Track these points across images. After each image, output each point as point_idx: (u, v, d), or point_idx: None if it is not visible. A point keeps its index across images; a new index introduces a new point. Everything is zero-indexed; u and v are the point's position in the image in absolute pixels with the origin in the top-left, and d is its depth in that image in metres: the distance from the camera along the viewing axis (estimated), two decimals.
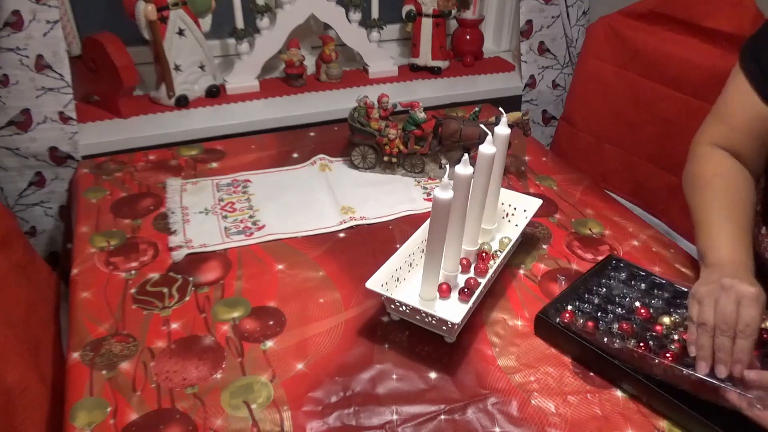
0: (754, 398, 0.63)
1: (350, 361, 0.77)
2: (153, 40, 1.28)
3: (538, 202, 0.96)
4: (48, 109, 1.17)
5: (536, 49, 1.59)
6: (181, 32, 1.31)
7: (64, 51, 1.15)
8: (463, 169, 0.74)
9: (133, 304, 0.84)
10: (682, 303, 0.79)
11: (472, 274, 0.88)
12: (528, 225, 0.94)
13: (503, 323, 0.83)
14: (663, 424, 0.69)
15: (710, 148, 0.83)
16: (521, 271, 0.93)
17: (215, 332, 0.80)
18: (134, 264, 0.92)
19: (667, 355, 0.70)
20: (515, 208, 0.98)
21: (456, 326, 0.75)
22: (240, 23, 1.39)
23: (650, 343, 0.71)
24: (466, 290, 0.82)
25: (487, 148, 0.80)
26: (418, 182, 1.16)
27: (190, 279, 0.89)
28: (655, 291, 0.82)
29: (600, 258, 0.93)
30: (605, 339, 0.73)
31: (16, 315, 0.86)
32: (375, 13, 1.51)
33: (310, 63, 1.56)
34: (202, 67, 1.39)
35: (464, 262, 0.87)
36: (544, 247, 0.98)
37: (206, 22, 1.36)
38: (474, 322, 0.83)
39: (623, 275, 0.85)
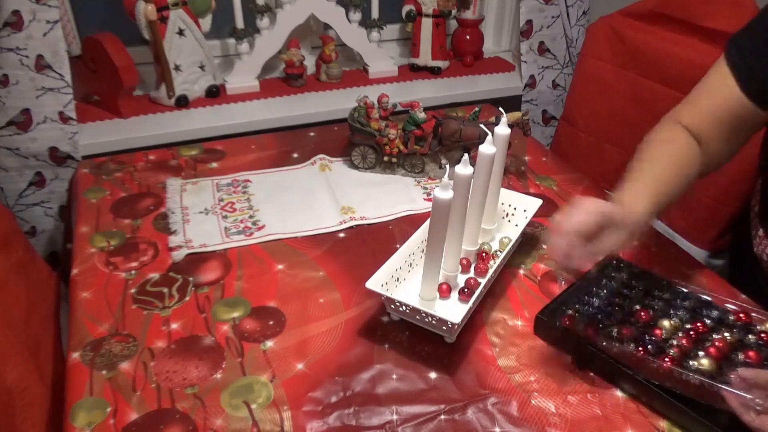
0: (751, 400, 0.62)
1: (350, 361, 0.77)
2: (153, 40, 1.28)
3: (538, 202, 0.96)
4: (48, 109, 1.17)
5: (536, 49, 1.59)
6: (181, 32, 1.31)
7: (64, 51, 1.15)
8: (463, 169, 0.74)
9: (133, 304, 0.84)
10: (681, 304, 0.79)
11: (472, 274, 0.88)
12: (528, 225, 0.94)
13: (503, 323, 0.83)
14: (663, 424, 0.69)
15: (672, 123, 0.83)
16: (521, 271, 0.93)
17: (215, 332, 0.80)
18: (134, 264, 0.92)
19: (666, 359, 0.69)
20: (515, 208, 0.98)
21: (456, 326, 0.75)
22: (240, 23, 1.39)
23: (649, 347, 0.71)
24: (466, 290, 0.82)
25: (487, 148, 0.80)
26: (418, 182, 1.16)
27: (190, 279, 0.89)
28: (656, 292, 0.82)
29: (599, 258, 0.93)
30: (605, 343, 0.73)
31: (16, 315, 0.86)
32: (375, 13, 1.51)
33: (310, 63, 1.56)
34: (202, 67, 1.39)
35: (464, 262, 0.87)
36: (544, 247, 0.98)
37: (206, 22, 1.36)
38: (474, 322, 0.83)
39: (623, 275, 0.85)
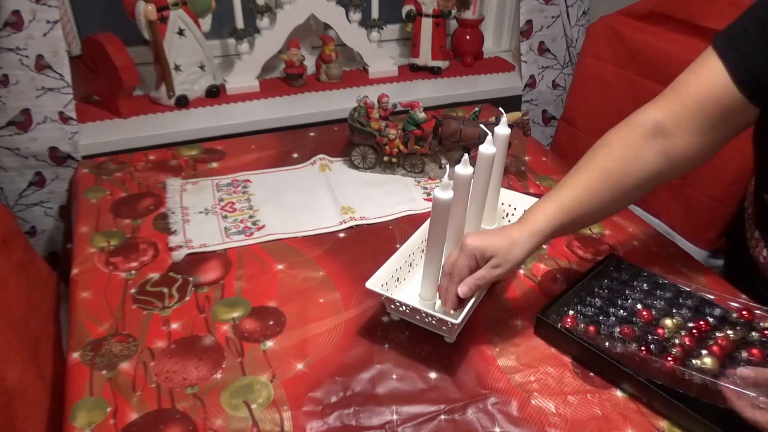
0: (755, 398, 0.62)
1: (350, 361, 0.77)
2: (153, 40, 1.28)
3: None
4: (48, 109, 1.17)
5: (536, 49, 1.59)
6: (181, 32, 1.31)
7: (64, 51, 1.15)
8: (463, 169, 0.74)
9: (133, 304, 0.84)
10: (683, 303, 0.79)
11: None
12: None
13: (503, 323, 0.83)
14: (663, 424, 0.69)
15: (638, 122, 0.79)
16: (521, 271, 0.93)
17: (215, 332, 0.80)
18: (134, 264, 0.92)
19: (669, 358, 0.69)
20: (515, 208, 0.98)
21: (456, 326, 0.75)
22: (240, 23, 1.39)
23: (651, 347, 0.71)
24: None
25: (487, 148, 0.80)
26: (418, 182, 1.16)
27: (190, 279, 0.89)
28: (657, 291, 0.82)
29: (600, 258, 0.93)
30: (607, 343, 0.73)
31: (16, 315, 0.86)
32: (375, 13, 1.51)
33: (310, 63, 1.56)
34: (202, 67, 1.39)
35: None
36: (544, 247, 0.98)
37: (206, 22, 1.36)
38: (474, 322, 0.83)
39: (624, 276, 0.85)
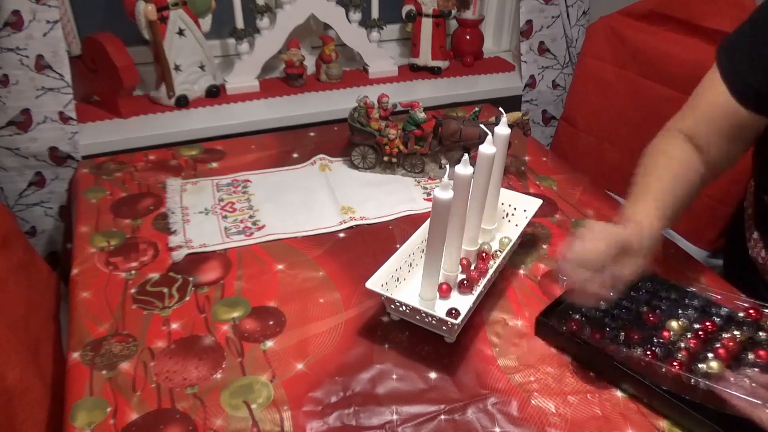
0: (763, 399, 0.62)
1: (350, 361, 0.77)
2: (153, 40, 1.28)
3: (538, 202, 0.96)
4: (48, 109, 1.17)
5: (536, 49, 1.59)
6: (181, 32, 1.31)
7: (64, 51, 1.15)
8: (463, 169, 0.74)
9: (133, 304, 0.84)
10: (689, 304, 0.78)
11: None
12: (528, 225, 0.94)
13: (503, 323, 0.83)
14: (663, 424, 0.69)
15: (672, 133, 0.83)
16: (521, 271, 0.93)
17: (215, 332, 0.80)
18: (134, 264, 0.92)
19: (674, 363, 0.69)
20: (515, 208, 0.98)
21: (456, 326, 0.75)
22: (240, 23, 1.39)
23: (657, 350, 0.71)
24: (465, 282, 0.82)
25: (487, 148, 0.80)
26: (418, 182, 1.16)
27: (190, 279, 0.89)
28: (662, 293, 0.81)
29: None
30: (611, 347, 0.72)
31: (16, 315, 0.86)
32: (375, 13, 1.51)
33: (310, 63, 1.56)
34: (202, 67, 1.39)
35: (464, 262, 0.87)
36: (544, 247, 0.98)
37: (206, 22, 1.36)
38: (474, 322, 0.83)
39: None
